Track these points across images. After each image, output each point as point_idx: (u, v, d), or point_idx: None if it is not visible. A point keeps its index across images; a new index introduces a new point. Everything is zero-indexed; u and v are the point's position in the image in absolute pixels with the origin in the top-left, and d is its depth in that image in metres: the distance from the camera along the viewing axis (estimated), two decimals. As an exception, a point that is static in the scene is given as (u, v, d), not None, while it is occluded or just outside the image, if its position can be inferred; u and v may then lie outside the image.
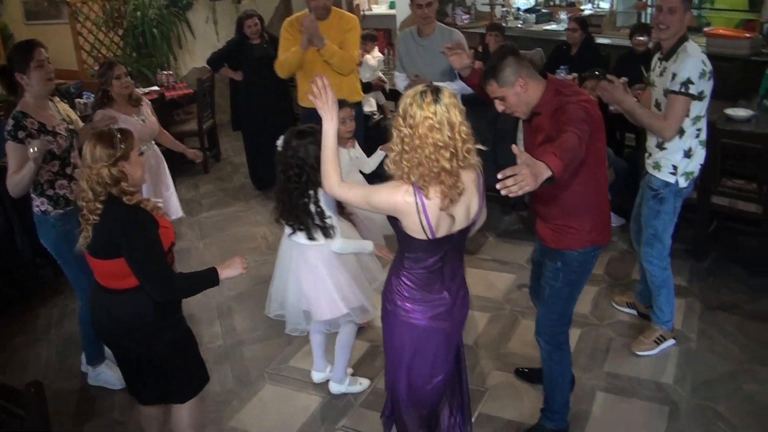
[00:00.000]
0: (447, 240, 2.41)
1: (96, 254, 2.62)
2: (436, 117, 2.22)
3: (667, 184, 3.54)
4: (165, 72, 7.68)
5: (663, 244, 3.66)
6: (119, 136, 2.62)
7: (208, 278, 2.74)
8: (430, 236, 2.36)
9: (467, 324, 4.12)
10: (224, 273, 2.77)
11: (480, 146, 2.37)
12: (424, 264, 2.46)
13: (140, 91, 6.90)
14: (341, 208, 3.22)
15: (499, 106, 2.80)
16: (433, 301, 2.50)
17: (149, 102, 4.54)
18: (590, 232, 2.92)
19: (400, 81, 4.73)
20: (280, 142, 3.13)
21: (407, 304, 2.50)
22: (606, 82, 3.43)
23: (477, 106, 4.82)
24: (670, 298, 3.79)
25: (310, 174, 3.03)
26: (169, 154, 4.68)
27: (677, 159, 3.49)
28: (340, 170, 2.48)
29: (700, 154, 3.54)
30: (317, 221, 3.11)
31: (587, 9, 7.86)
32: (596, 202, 2.93)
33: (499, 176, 2.08)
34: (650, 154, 3.63)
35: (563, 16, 7.66)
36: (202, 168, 7.28)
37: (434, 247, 2.42)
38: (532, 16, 7.93)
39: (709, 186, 4.47)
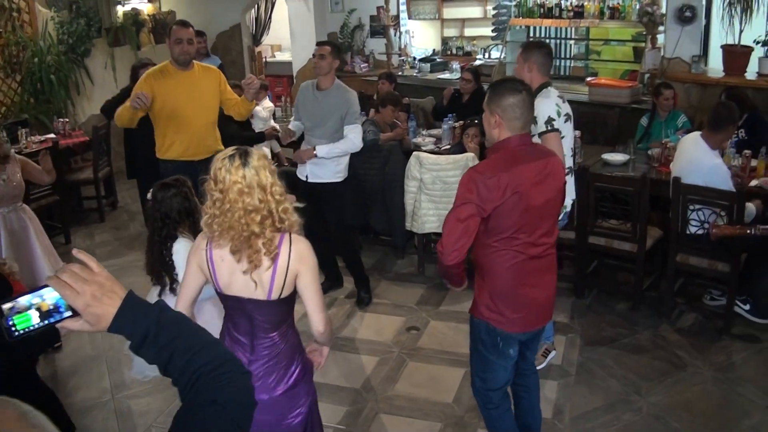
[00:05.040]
0: (236, 302, 2.36)
1: None
2: (245, 181, 2.21)
3: None
4: (61, 120, 7.53)
5: None
6: None
7: (47, 337, 2.72)
8: (216, 288, 2.36)
9: (355, 368, 4.18)
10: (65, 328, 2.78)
11: (298, 204, 2.36)
12: (227, 318, 2.47)
13: (36, 138, 6.76)
14: None
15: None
16: None
17: (27, 159, 4.43)
18: (485, 307, 2.82)
19: (294, 127, 4.88)
20: (149, 195, 3.15)
21: None
22: None
23: (368, 152, 4.99)
24: None
25: (170, 227, 3.07)
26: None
27: None
28: None
29: (571, 191, 3.81)
30: (169, 273, 3.14)
31: (479, 59, 8.20)
32: (502, 280, 2.77)
33: None
34: None
35: (455, 65, 7.99)
36: (98, 216, 7.12)
37: (224, 302, 2.41)
38: (426, 66, 8.23)
39: (585, 227, 4.73)
